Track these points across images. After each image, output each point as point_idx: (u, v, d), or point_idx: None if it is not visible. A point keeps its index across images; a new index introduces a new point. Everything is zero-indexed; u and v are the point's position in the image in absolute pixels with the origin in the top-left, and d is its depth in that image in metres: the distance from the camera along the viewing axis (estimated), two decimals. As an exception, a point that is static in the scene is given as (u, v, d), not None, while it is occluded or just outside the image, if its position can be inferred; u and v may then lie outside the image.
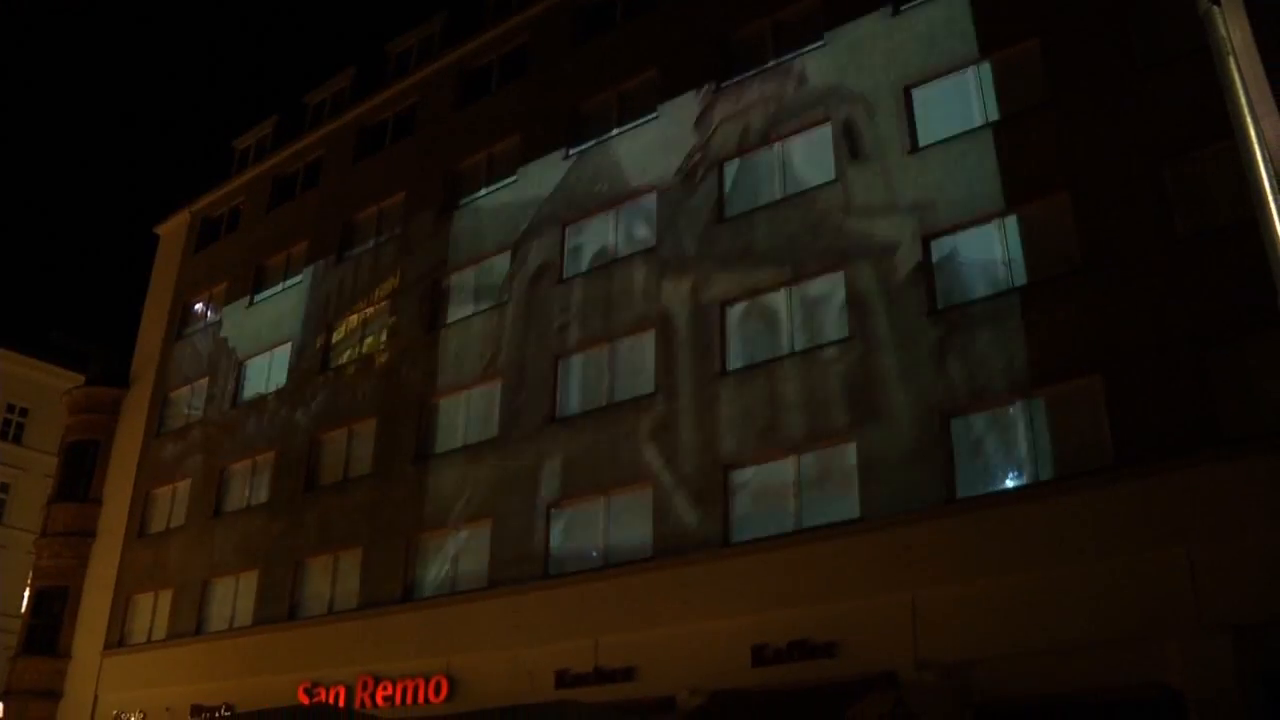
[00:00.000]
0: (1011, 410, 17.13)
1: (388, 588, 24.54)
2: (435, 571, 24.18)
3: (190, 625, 29.54)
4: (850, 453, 18.45)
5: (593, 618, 20.25)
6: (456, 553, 23.85)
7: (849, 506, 18.14)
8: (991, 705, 15.50)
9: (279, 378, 30.86)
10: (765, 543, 18.77)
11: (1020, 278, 17.66)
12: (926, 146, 19.61)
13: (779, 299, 20.61)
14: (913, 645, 16.27)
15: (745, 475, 19.75)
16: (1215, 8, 5.54)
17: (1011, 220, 18.14)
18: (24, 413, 50.54)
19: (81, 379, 38.71)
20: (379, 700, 22.84)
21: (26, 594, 36.00)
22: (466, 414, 25.16)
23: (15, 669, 33.75)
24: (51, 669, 33.09)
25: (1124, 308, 16.23)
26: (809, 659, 17.23)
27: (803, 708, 16.33)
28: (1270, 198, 5.00)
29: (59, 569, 34.47)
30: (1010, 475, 16.89)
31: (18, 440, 50.52)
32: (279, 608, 27.00)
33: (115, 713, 29.43)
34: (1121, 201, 16.85)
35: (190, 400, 34.19)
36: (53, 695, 32.49)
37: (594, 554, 21.39)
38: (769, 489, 19.42)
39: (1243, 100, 5.31)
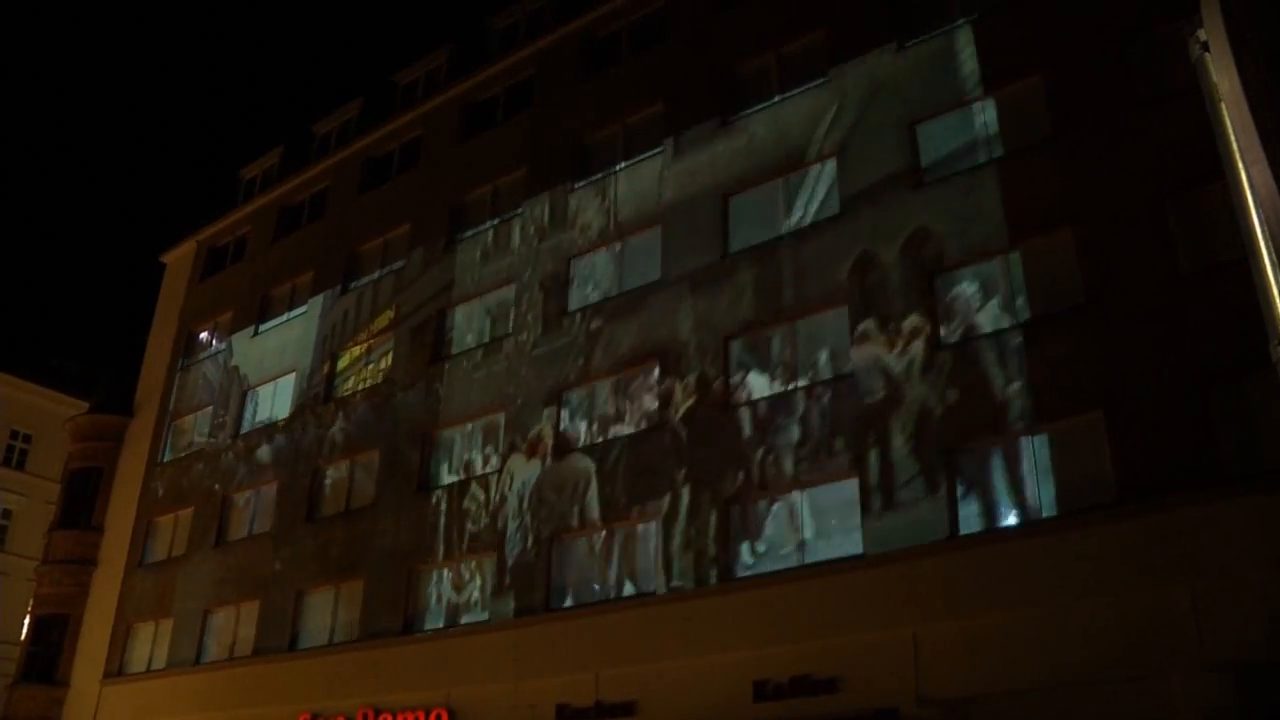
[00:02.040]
0: (1013, 446, 17.09)
1: (389, 619, 24.48)
2: (436, 604, 24.11)
3: (190, 655, 29.45)
4: (853, 488, 18.43)
5: (594, 651, 20.18)
6: (458, 584, 23.79)
7: (851, 542, 18.11)
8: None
9: (283, 407, 30.90)
10: (767, 578, 18.73)
11: (1024, 313, 17.65)
12: (931, 183, 19.66)
13: (779, 332, 20.62)
14: (914, 681, 16.21)
15: (745, 510, 19.71)
16: (1205, 54, 5.58)
17: (1015, 256, 18.16)
18: (28, 439, 50.50)
19: (86, 406, 38.75)
20: (380, 731, 22.78)
21: (26, 621, 35.90)
22: (470, 445, 25.15)
23: (13, 697, 33.61)
24: (50, 697, 32.96)
25: (1127, 344, 16.22)
26: (810, 694, 17.15)
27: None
28: (1261, 243, 5.02)
29: (59, 596, 34.41)
30: (1012, 511, 16.84)
31: (21, 466, 50.51)
32: (279, 638, 26.93)
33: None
34: (1125, 237, 16.86)
35: (194, 429, 34.22)
36: (49, 726, 32.38)
37: (596, 587, 21.34)
38: (771, 524, 19.38)
39: (1233, 146, 5.34)
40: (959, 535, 16.90)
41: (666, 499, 20.56)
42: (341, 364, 29.93)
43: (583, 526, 21.89)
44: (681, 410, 21.09)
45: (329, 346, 30.45)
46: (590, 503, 21.87)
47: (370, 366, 28.98)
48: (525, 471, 23.30)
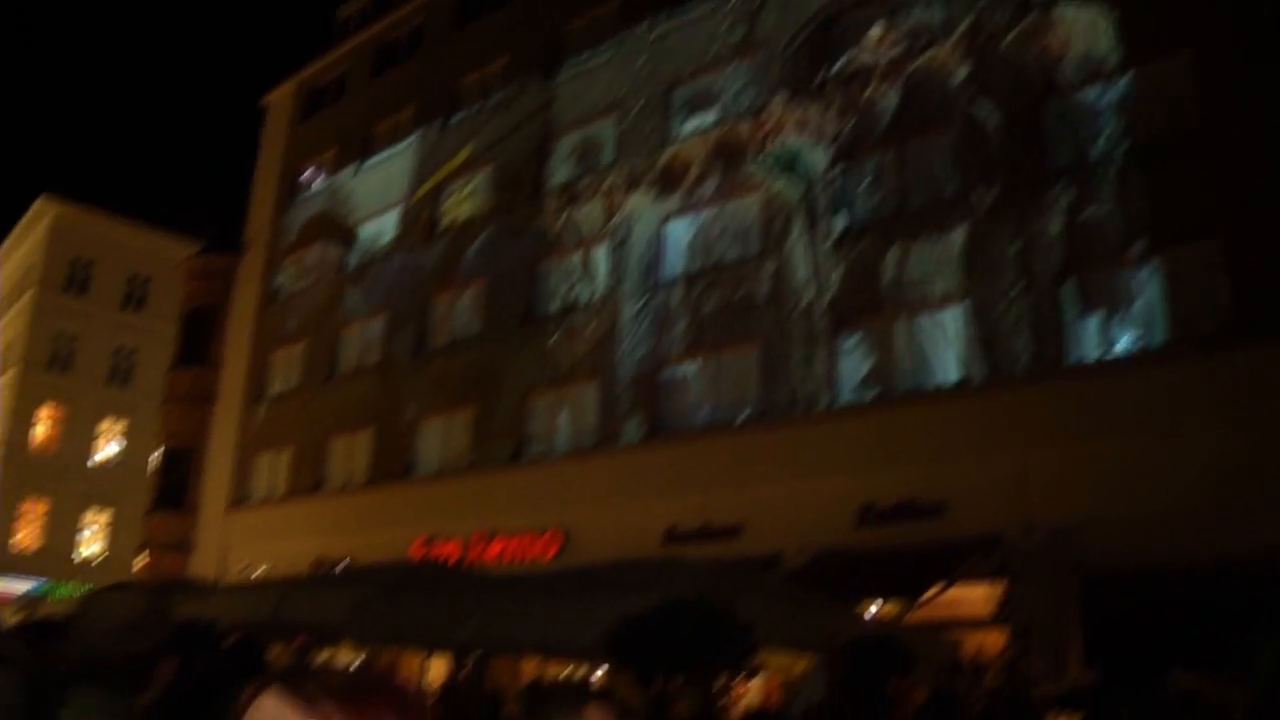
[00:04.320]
0: (1127, 273, 16.78)
1: (499, 447, 25.18)
2: (546, 430, 24.69)
3: (309, 483, 30.70)
4: (959, 315, 18.31)
5: (702, 476, 20.59)
6: (567, 411, 24.30)
7: (958, 369, 18.08)
8: (1099, 570, 15.44)
9: (388, 242, 31.32)
10: (873, 405, 18.84)
11: (1138, 136, 17.11)
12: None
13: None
14: (1020, 508, 16.28)
15: (853, 339, 19.73)
16: None
17: (1129, 76, 17.52)
18: (146, 281, 52.19)
19: (198, 248, 39.71)
20: (492, 555, 23.59)
21: (156, 454, 37.61)
22: (576, 276, 25.36)
23: (150, 524, 35.55)
24: (181, 524, 34.72)
25: (1244, 168, 15.70)
26: (915, 519, 17.36)
27: (908, 567, 16.49)
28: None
29: (184, 431, 35.93)
30: (1126, 339, 16.62)
31: (141, 308, 52.31)
32: (394, 466, 27.93)
33: (242, 565, 30.79)
34: (1244, 60, 16.17)
35: (302, 266, 34.90)
36: (184, 548, 34.12)
37: (703, 412, 21.68)
38: (875, 352, 19.39)
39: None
40: (1069, 362, 16.77)
41: (772, 325, 20.65)
42: (444, 197, 30.12)
43: (686, 353, 22.13)
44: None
45: (432, 180, 30.60)
46: (688, 331, 22.08)
47: (473, 198, 29.14)
48: (632, 304, 23.49)
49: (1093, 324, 17.06)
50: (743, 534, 19.61)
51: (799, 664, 9.67)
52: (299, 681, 1.39)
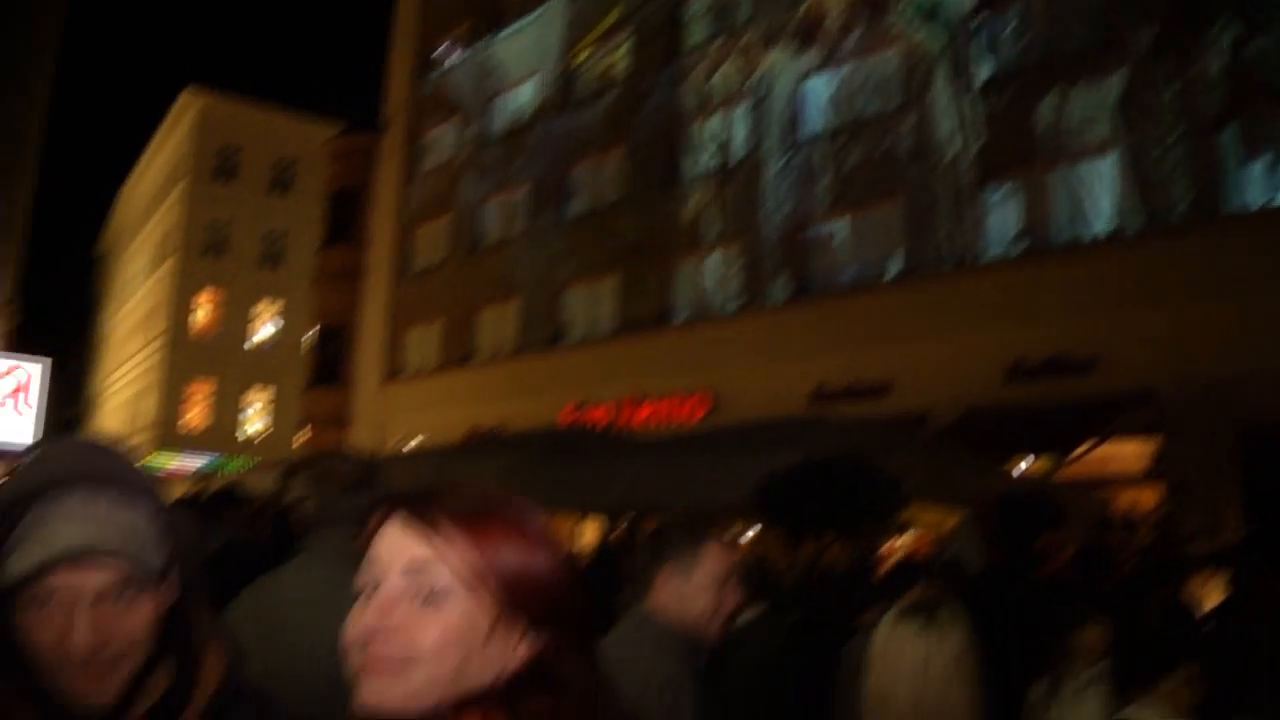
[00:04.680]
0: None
1: (646, 311, 25.37)
2: (692, 293, 24.78)
3: (459, 355, 31.46)
4: (1113, 163, 17.66)
5: (848, 334, 20.48)
6: (712, 274, 24.32)
7: (1111, 220, 17.52)
8: (1258, 425, 14.86)
9: (528, 111, 31.31)
10: (1022, 258, 18.42)
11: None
12: None
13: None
14: (1176, 362, 15.78)
15: (1001, 191, 19.22)
16: None
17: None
18: (292, 165, 53.42)
19: (339, 129, 40.33)
20: (642, 419, 23.92)
21: (311, 332, 38.92)
22: (717, 137, 25.09)
23: (308, 399, 36.99)
24: (339, 398, 35.98)
25: None
26: (1065, 375, 17.02)
27: (1058, 423, 16.26)
28: None
29: (335, 308, 36.97)
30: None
31: (288, 191, 53.68)
32: (542, 334, 28.42)
33: (398, 437, 31.79)
34: None
35: (442, 140, 35.16)
36: (342, 422, 35.41)
37: (849, 271, 21.51)
38: (1024, 204, 18.88)
39: None
40: (1230, 211, 16.09)
41: (916, 179, 20.25)
42: (583, 63, 29.89)
43: (830, 211, 21.87)
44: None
45: (570, 46, 30.40)
46: (831, 188, 21.79)
47: (612, 63, 28.87)
48: (774, 164, 23.22)
49: (1256, 170, 16.26)
50: (890, 392, 19.52)
51: (948, 520, 9.67)
52: (421, 505, 1.41)
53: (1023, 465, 15.15)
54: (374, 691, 1.34)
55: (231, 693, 1.75)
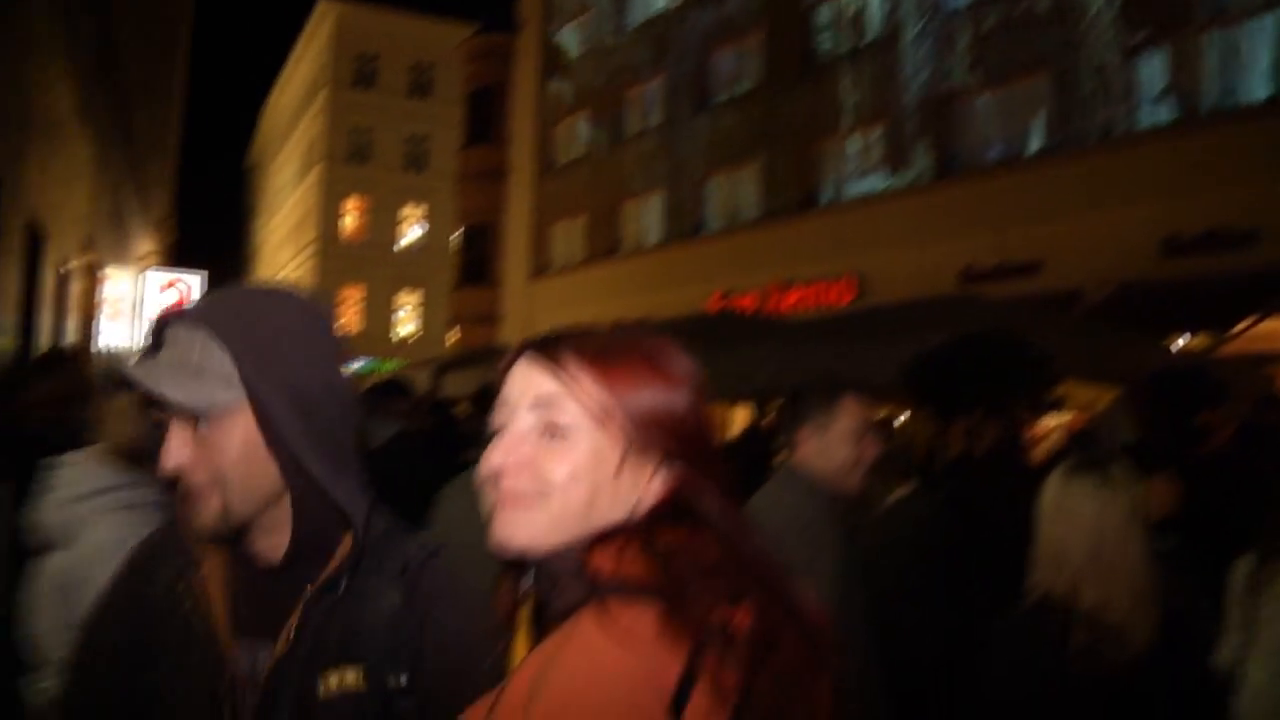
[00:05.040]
0: None
1: (789, 197, 25.17)
2: (835, 177, 24.47)
3: (604, 248, 31.71)
4: (1270, 24, 16.76)
5: (996, 213, 20.01)
6: (855, 156, 23.96)
7: (1270, 84, 16.68)
8: None
9: (660, 1, 30.96)
10: (1176, 127, 17.70)
11: None
12: None
13: None
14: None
15: (1153, 56, 18.42)
16: None
17: None
18: (429, 68, 53.91)
19: (474, 29, 40.40)
20: (788, 305, 23.83)
21: (456, 233, 39.59)
22: (852, 13, 24.48)
23: (457, 299, 37.79)
24: (486, 297, 36.67)
25: None
26: (1224, 249, 16.37)
27: (1217, 299, 15.72)
28: None
29: (479, 208, 37.49)
30: None
31: (427, 95, 54.24)
32: (685, 225, 28.44)
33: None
34: None
35: (577, 35, 35.01)
36: (491, 320, 36.11)
37: (994, 146, 20.98)
38: (1176, 69, 18.08)
39: None
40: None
41: (1061, 47, 19.52)
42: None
43: (973, 86, 21.25)
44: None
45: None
46: (972, 63, 21.14)
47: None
48: (912, 40, 22.61)
49: None
50: (1041, 271, 19.10)
51: (1102, 398, 9.52)
52: (548, 344, 1.43)
53: (1179, 343, 14.74)
54: (507, 526, 1.37)
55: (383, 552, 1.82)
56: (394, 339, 53.04)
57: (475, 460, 1.63)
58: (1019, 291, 18.07)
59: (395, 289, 53.90)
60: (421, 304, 53.99)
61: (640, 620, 1.24)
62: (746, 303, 24.63)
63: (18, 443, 4.81)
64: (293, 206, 60.99)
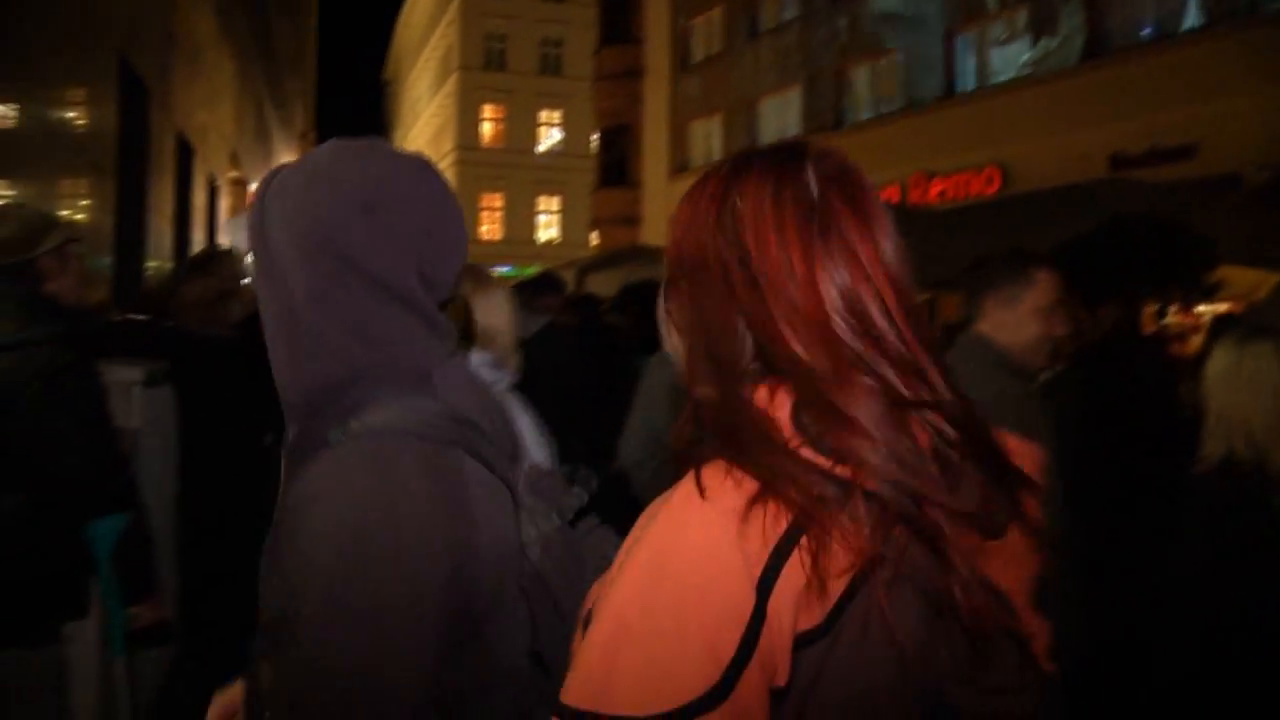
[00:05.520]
0: None
1: (928, 86, 24.73)
2: (975, 63, 23.96)
3: (743, 144, 31.49)
4: None
5: (1147, 95, 19.32)
6: (997, 41, 23.38)
7: None
8: None
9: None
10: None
11: None
12: None
13: None
14: None
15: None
16: None
17: None
18: (562, -28, 53.69)
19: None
20: (933, 196, 23.52)
21: (594, 136, 39.78)
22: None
23: (597, 201, 38.09)
24: (626, 198, 36.86)
25: None
26: None
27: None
28: None
29: (617, 109, 37.47)
30: None
31: (560, -2, 54.10)
32: (825, 118, 28.16)
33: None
34: None
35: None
36: (632, 221, 36.33)
37: (1143, 25, 20.28)
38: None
39: None
40: None
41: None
42: None
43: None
44: None
45: None
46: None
47: None
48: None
49: None
50: (1195, 154, 18.46)
51: (1263, 283, 9.32)
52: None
53: (1349, 224, 14.24)
54: None
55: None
56: (536, 244, 53.66)
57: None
58: (1172, 177, 17.56)
59: (535, 194, 54.35)
60: (561, 209, 54.45)
61: (739, 483, 1.16)
62: (888, 195, 24.33)
63: (176, 341, 5.22)
64: (430, 117, 61.72)
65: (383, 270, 1.57)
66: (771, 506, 1.13)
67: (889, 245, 1.29)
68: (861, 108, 27.24)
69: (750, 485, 1.15)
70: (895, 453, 1.15)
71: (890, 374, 1.21)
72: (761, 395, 1.23)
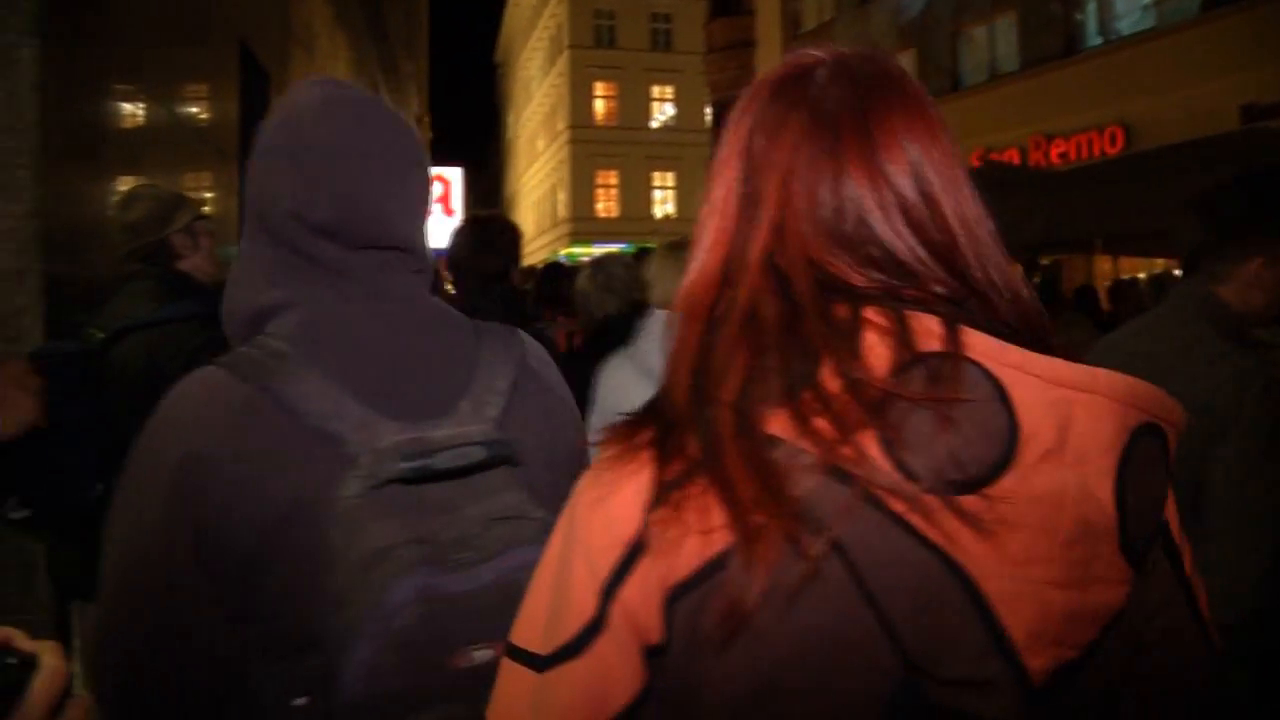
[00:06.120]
0: None
1: (1048, 44, 24.11)
2: (1097, 17, 23.30)
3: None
4: None
5: (1279, 41, 18.66)
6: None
7: None
8: None
9: None
10: None
11: None
12: None
13: None
14: None
15: None
16: None
17: None
18: (668, -55, 53.60)
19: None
20: (1054, 158, 22.95)
21: (706, 110, 39.70)
22: None
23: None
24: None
25: None
26: None
27: None
28: None
29: (728, 81, 37.18)
30: None
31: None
32: (941, 81, 27.62)
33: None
34: None
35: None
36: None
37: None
38: None
39: None
40: None
41: None
42: None
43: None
44: None
45: None
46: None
47: None
48: None
49: None
50: (1335, 98, 17.78)
51: None
52: None
53: None
54: None
55: None
56: (653, 220, 53.74)
57: None
58: (1312, 124, 16.91)
59: (649, 171, 54.44)
60: (676, 185, 54.44)
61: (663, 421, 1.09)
62: (1008, 159, 23.88)
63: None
64: (543, 97, 62.16)
65: (261, 211, 1.59)
66: (679, 444, 1.03)
67: (915, 150, 1.15)
68: (978, 70, 26.68)
69: (666, 425, 1.06)
70: (835, 399, 0.99)
71: (880, 278, 1.09)
72: (730, 334, 1.09)
